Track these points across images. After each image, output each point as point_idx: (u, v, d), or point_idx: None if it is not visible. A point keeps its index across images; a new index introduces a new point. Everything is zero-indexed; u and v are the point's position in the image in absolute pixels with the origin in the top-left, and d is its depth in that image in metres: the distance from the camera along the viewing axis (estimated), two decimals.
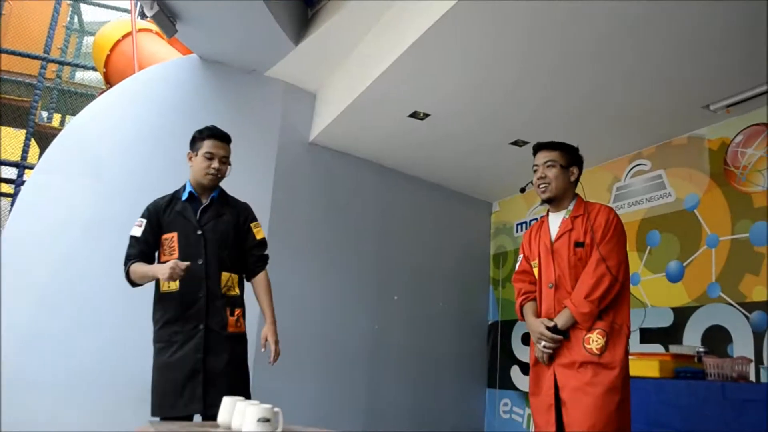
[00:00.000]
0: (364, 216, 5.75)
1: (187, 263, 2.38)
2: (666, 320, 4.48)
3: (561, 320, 2.33)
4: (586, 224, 2.38)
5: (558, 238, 2.43)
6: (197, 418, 2.47)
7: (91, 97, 7.63)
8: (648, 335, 4.58)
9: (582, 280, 2.33)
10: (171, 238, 2.55)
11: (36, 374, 3.87)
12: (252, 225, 2.69)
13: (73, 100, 8.12)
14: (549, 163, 2.46)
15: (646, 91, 4.14)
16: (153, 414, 2.43)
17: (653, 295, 4.65)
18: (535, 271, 2.54)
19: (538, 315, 2.49)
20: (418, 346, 5.85)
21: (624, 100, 4.29)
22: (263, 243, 2.71)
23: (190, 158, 2.64)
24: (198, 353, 2.43)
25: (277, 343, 2.55)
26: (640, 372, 3.62)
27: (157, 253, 2.65)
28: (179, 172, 4.21)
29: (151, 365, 2.56)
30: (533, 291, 2.61)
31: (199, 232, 2.56)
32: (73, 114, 7.95)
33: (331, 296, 5.34)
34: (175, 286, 2.49)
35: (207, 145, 2.61)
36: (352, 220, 5.66)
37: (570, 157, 2.50)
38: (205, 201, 2.63)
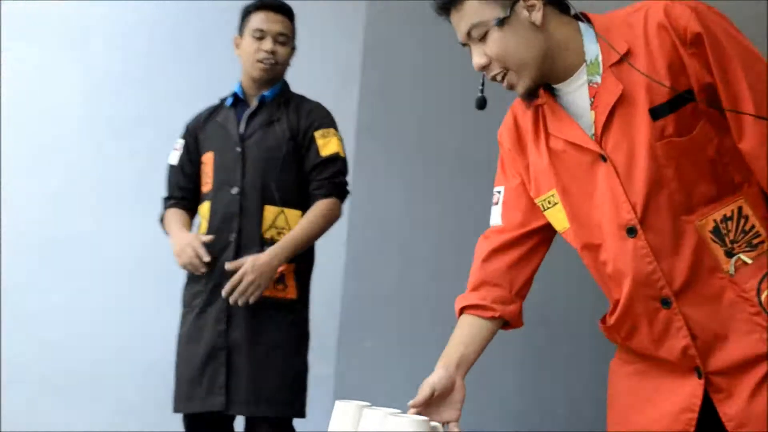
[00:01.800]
0: (501, 103, 4.36)
1: (209, 238, 2.16)
2: None
3: None
4: (658, 55, 1.35)
5: (607, 122, 1.38)
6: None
7: None
8: None
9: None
10: (207, 162, 2.30)
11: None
12: (317, 134, 2.29)
13: None
14: (475, 33, 1.40)
15: None
16: (173, 409, 2.20)
17: None
18: (557, 216, 1.51)
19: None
20: (582, 310, 4.38)
21: None
22: (330, 161, 2.29)
23: (237, 45, 2.34)
24: (220, 323, 2.14)
25: (245, 277, 2.09)
26: None
27: None
28: (210, 48, 3.56)
29: None
30: (504, 301, 1.55)
31: (238, 149, 2.25)
32: None
33: (449, 235, 4.15)
34: (204, 227, 2.23)
35: (256, 20, 2.29)
36: (482, 111, 4.25)
37: None
38: (255, 104, 2.31)
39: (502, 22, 1.35)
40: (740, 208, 1.38)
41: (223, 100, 2.38)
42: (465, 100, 3.94)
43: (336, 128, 2.30)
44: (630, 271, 1.38)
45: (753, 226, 1.37)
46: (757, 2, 3.12)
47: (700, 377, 1.37)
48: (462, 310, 1.52)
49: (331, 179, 2.26)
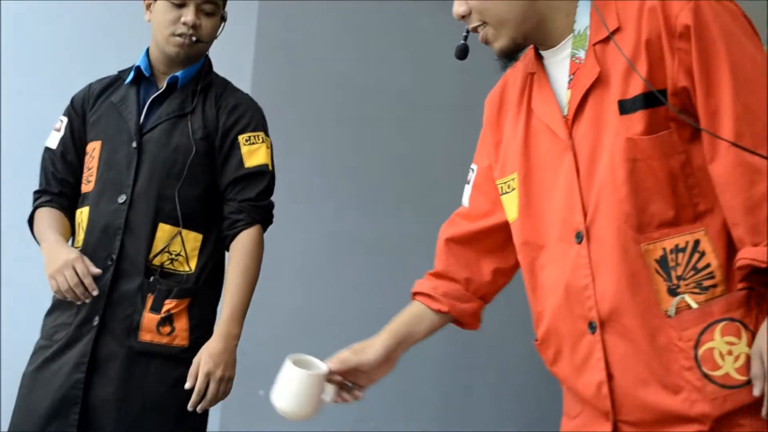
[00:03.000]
0: (431, 95, 4.29)
1: (96, 272, 1.83)
2: None
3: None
4: (640, 39, 1.25)
5: (579, 108, 1.30)
6: None
7: None
8: None
9: (736, 198, 1.22)
10: (92, 153, 1.97)
11: None
12: (241, 138, 1.96)
13: None
14: None
15: None
16: None
17: None
18: (510, 203, 1.45)
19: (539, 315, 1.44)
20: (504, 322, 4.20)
21: None
22: (256, 175, 1.97)
23: (148, 7, 1.99)
24: (77, 371, 1.81)
25: (211, 376, 1.82)
26: None
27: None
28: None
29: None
30: (458, 293, 1.53)
31: (134, 145, 1.92)
32: None
33: (358, 250, 3.94)
34: (79, 240, 1.95)
35: None
36: (404, 103, 4.19)
37: None
38: (163, 86, 1.98)
39: None
40: (697, 242, 1.26)
41: (121, 73, 2.05)
42: (357, 84, 3.72)
43: (266, 131, 2.01)
44: (564, 281, 1.32)
45: (708, 265, 1.25)
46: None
47: (611, 423, 1.32)
48: (414, 295, 1.52)
49: (255, 202, 1.95)
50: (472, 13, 1.35)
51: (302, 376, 1.37)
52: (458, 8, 1.36)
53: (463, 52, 1.41)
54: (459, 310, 1.51)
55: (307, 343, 3.47)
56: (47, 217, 1.99)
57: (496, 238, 1.51)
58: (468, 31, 1.40)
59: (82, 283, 1.80)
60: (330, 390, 1.42)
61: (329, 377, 1.40)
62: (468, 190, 1.56)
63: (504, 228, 1.47)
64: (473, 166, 1.57)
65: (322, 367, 1.39)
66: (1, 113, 3.36)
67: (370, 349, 1.44)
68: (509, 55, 1.37)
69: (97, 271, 1.82)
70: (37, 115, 3.23)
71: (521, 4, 1.33)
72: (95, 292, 1.81)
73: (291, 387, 1.38)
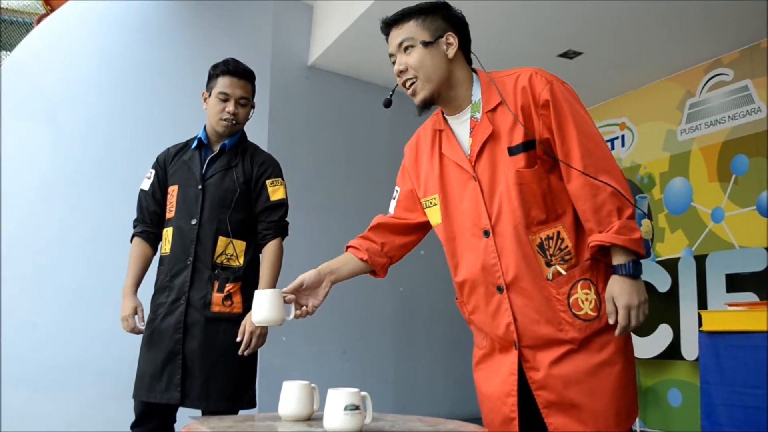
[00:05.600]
0: (378, 152, 5.13)
1: (138, 328, 2.31)
2: (758, 263, 4.02)
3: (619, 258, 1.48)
4: (516, 107, 1.57)
5: (479, 152, 1.60)
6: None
7: (26, 26, 6.85)
8: (737, 281, 4.13)
9: (586, 204, 1.52)
10: (172, 193, 2.39)
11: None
12: (268, 182, 2.38)
13: (4, 30, 7.21)
14: (405, 44, 1.65)
15: None
16: (133, 396, 2.28)
17: (741, 233, 4.20)
18: (433, 214, 1.73)
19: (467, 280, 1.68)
20: (451, 309, 5.14)
21: None
22: (278, 206, 2.38)
23: (205, 99, 2.42)
24: (177, 333, 2.24)
25: (253, 334, 2.21)
26: (746, 325, 3.07)
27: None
28: (156, 113, 3.97)
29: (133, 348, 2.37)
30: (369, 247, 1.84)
31: (200, 187, 2.33)
32: (7, 49, 7.11)
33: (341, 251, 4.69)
34: (167, 248, 2.34)
35: (221, 84, 2.35)
36: (363, 158, 5.06)
37: (434, 21, 1.65)
38: (216, 149, 2.40)
39: (426, 44, 1.63)
40: (558, 232, 1.56)
41: (188, 142, 2.48)
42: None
43: (282, 177, 2.44)
44: (480, 262, 1.60)
45: (567, 246, 1.55)
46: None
47: (516, 349, 1.58)
48: (347, 248, 1.85)
49: (278, 222, 2.37)
50: (408, 69, 1.64)
51: (265, 293, 1.62)
52: (399, 66, 1.66)
53: (389, 103, 1.73)
54: (374, 261, 1.79)
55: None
56: (135, 252, 2.41)
57: (406, 229, 1.84)
58: (393, 92, 1.72)
59: (133, 330, 2.29)
60: (291, 310, 1.63)
61: (286, 297, 1.64)
62: (393, 203, 1.86)
63: (411, 226, 1.83)
64: (397, 188, 1.87)
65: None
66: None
67: (308, 273, 1.70)
68: (425, 106, 1.66)
69: (139, 328, 2.30)
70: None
71: (443, 71, 1.63)
72: (141, 332, 2.29)
73: (262, 302, 1.62)
